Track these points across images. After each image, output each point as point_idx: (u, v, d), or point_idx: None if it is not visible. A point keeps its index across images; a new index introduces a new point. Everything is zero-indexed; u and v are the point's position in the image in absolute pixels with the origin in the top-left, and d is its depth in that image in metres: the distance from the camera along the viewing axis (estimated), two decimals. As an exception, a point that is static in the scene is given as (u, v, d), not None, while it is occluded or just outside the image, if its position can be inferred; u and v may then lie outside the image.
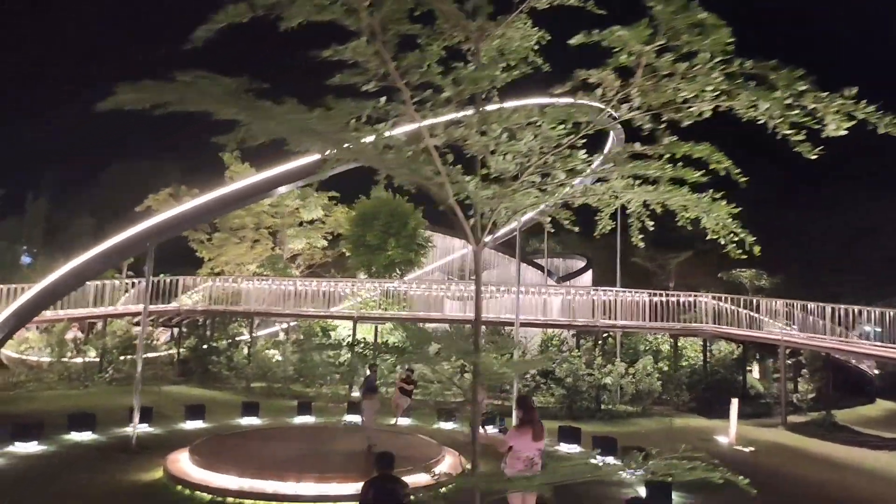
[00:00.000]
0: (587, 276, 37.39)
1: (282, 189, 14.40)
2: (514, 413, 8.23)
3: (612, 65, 3.52)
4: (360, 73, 3.70)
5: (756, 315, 22.72)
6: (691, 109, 3.90)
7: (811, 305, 20.05)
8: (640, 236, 6.49)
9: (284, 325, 27.60)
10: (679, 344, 23.69)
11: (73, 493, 9.89)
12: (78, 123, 70.72)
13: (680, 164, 4.29)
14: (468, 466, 11.67)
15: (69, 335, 22.57)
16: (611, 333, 22.30)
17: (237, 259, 35.56)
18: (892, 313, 18.40)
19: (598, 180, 5.01)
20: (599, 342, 22.42)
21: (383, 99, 3.83)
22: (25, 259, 42.01)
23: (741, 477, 3.94)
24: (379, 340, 21.49)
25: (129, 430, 14.49)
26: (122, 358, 22.12)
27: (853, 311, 18.84)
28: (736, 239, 5.39)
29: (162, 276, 25.09)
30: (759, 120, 3.73)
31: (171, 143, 78.14)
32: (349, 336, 23.08)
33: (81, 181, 62.84)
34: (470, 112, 4.39)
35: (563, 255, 40.82)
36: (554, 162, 4.41)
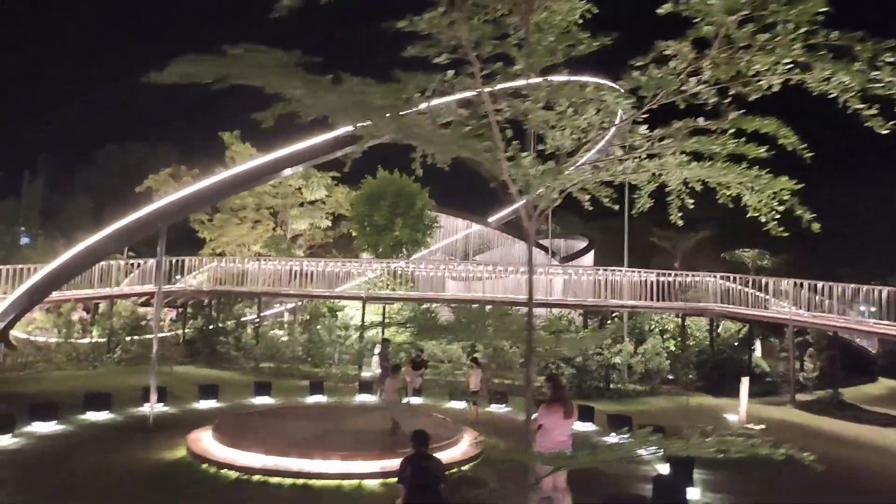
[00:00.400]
0: (589, 257, 37.44)
1: (288, 171, 14.16)
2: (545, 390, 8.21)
3: (693, 35, 3.46)
4: (431, 45, 3.63)
5: (761, 294, 22.83)
6: (760, 83, 3.85)
7: (820, 285, 20.12)
8: (679, 214, 6.46)
9: (290, 305, 27.61)
10: (685, 323, 23.80)
11: (101, 472, 9.91)
12: (76, 118, 70.27)
13: (742, 139, 4.24)
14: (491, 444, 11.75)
15: (74, 316, 22.53)
16: (619, 313, 22.34)
17: (239, 239, 35.44)
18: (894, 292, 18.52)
19: (650, 156, 4.94)
20: (608, 322, 22.50)
21: (450, 72, 3.77)
22: (24, 240, 41.75)
23: (806, 453, 3.93)
24: (387, 320, 21.51)
25: (144, 409, 14.58)
26: (128, 339, 22.08)
27: (861, 290, 18.90)
28: (777, 217, 5.35)
29: (165, 257, 25.01)
30: (831, 94, 3.68)
31: (163, 124, 77.83)
32: (354, 316, 23.11)
33: (77, 162, 62.39)
34: (522, 85, 4.33)
35: (564, 235, 40.75)
36: (612, 138, 4.36)
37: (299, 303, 27.28)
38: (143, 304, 25.31)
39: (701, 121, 4.15)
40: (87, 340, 21.87)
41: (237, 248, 35.31)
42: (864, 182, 40.04)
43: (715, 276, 22.64)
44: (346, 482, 9.56)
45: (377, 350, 20.94)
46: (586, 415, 14.94)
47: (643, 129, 4.29)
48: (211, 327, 22.78)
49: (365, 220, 22.90)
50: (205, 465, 10.17)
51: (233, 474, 9.77)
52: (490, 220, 33.17)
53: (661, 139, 4.31)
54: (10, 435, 11.51)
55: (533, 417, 8.54)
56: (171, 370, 18.90)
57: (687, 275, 22.86)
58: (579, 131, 4.29)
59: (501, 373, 19.20)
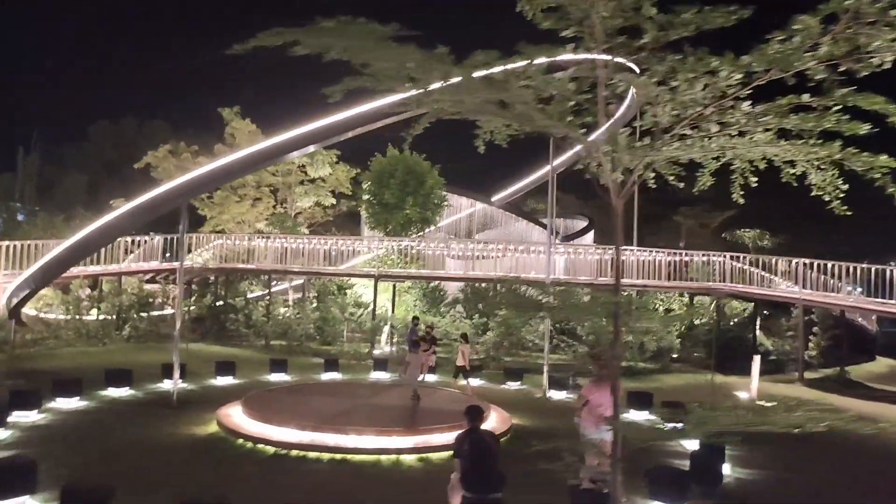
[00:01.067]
0: (589, 237, 37.62)
1: (311, 147, 13.87)
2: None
3: (827, 10, 3.44)
4: (562, 18, 3.59)
5: (766, 274, 23.07)
6: (872, 60, 3.84)
7: (830, 265, 20.34)
8: (741, 192, 6.46)
9: (296, 282, 27.56)
10: (676, 303, 24.07)
11: (137, 446, 9.93)
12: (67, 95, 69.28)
13: (846, 116, 4.22)
14: (514, 421, 11.86)
15: (81, 293, 22.36)
16: (628, 292, 22.47)
17: (239, 217, 35.18)
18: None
19: (741, 133, 4.90)
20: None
21: (570, 46, 3.73)
22: (20, 216, 41.27)
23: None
24: (397, 299, 21.53)
25: (163, 385, 14.63)
26: (136, 316, 21.96)
27: (872, 269, 19.07)
28: (841, 195, 5.38)
29: (165, 235, 24.84)
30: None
31: (154, 100, 76.90)
32: (362, 294, 23.10)
33: (70, 138, 61.68)
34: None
35: (563, 215, 40.82)
36: (710, 115, 4.35)
37: (302, 280, 27.27)
38: (149, 282, 25.15)
39: (806, 97, 4.13)
40: (92, 317, 21.73)
41: (237, 226, 35.08)
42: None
43: (724, 256, 22.80)
44: (383, 457, 9.63)
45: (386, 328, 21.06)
46: (604, 392, 15.09)
47: (746, 105, 4.27)
48: (219, 304, 22.69)
49: (375, 198, 22.77)
50: (240, 441, 10.20)
51: (269, 449, 9.82)
52: (493, 199, 33.16)
53: (762, 115, 4.29)
54: (37, 411, 11.48)
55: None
56: (187, 347, 18.82)
57: (696, 255, 23.02)
58: (680, 106, 4.27)
59: (514, 351, 19.31)
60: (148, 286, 25.00)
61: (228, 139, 35.26)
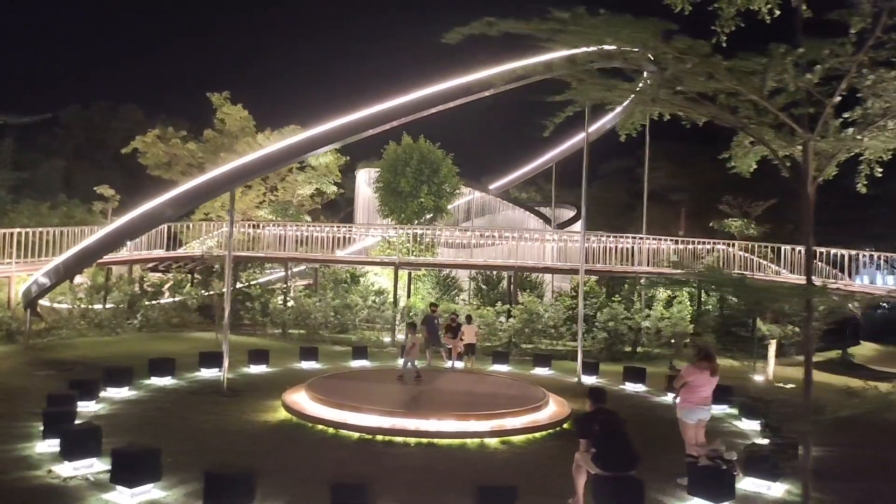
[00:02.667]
0: (577, 225, 38.19)
1: (369, 131, 13.45)
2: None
3: None
4: (853, 15, 3.77)
5: (763, 262, 23.88)
6: None
7: (834, 252, 21.17)
8: (865, 182, 6.79)
9: (297, 270, 27.39)
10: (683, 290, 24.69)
11: (215, 431, 9.89)
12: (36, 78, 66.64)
13: None
14: (573, 407, 12.11)
15: (77, 280, 21.81)
16: (631, 279, 22.99)
17: (237, 204, 34.73)
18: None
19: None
20: (625, 287, 23.12)
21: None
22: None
23: None
24: (412, 287, 21.61)
25: (201, 374, 14.49)
26: (147, 304, 21.55)
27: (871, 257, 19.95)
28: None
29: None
30: None
31: (123, 84, 74.70)
32: (375, 282, 23.11)
33: (41, 123, 59.44)
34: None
35: (550, 204, 41.33)
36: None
37: (302, 267, 27.13)
38: (152, 270, 24.66)
39: None
40: (99, 307, 21.25)
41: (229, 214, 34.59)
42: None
43: (731, 245, 23.47)
44: (468, 441, 9.79)
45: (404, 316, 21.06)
46: (638, 376, 15.51)
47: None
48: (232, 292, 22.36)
49: (389, 186, 22.69)
50: (320, 427, 10.23)
51: (353, 434, 9.88)
52: (491, 187, 33.39)
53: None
54: (95, 401, 11.27)
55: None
56: (217, 338, 18.60)
57: (702, 242, 23.66)
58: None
59: (536, 339, 19.59)
60: (152, 275, 24.55)
61: (218, 125, 34.71)
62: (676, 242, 23.66)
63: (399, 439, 9.71)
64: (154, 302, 21.49)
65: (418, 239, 21.88)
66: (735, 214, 27.18)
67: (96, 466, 7.85)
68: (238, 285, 23.17)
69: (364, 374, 14.62)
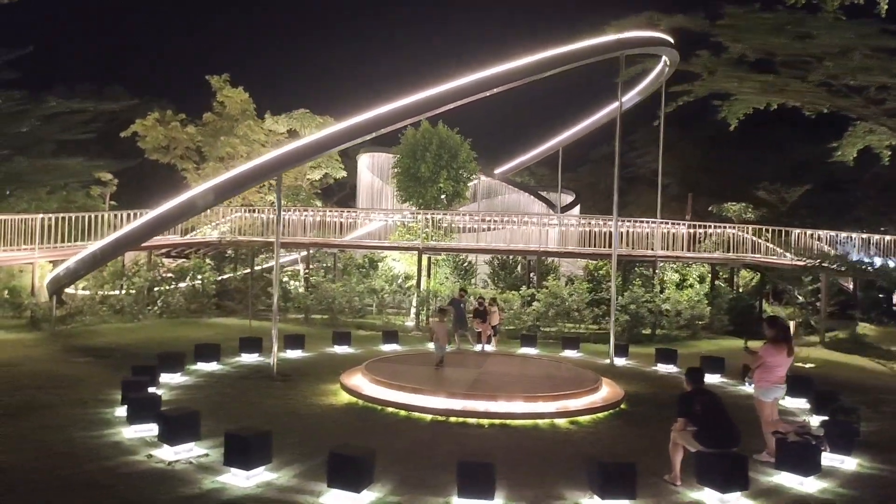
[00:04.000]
0: (576, 210, 38.60)
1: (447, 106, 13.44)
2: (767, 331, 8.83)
3: None
4: None
5: (770, 245, 24.47)
6: None
7: (843, 235, 21.76)
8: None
9: (303, 254, 27.39)
10: (694, 274, 25.23)
11: (285, 413, 9.97)
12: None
13: None
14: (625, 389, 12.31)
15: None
16: (654, 262, 23.38)
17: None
18: None
19: None
20: (638, 270, 23.51)
21: None
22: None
23: None
24: (433, 272, 21.74)
25: (241, 359, 14.54)
26: (168, 290, 21.41)
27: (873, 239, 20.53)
28: None
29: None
30: None
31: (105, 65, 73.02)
32: (393, 267, 23.21)
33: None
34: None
35: (551, 188, 41.64)
36: None
37: (307, 252, 27.14)
38: (166, 256, 24.45)
39: None
40: (116, 293, 21.08)
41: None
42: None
43: (743, 230, 23.97)
44: (538, 421, 10.02)
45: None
46: (669, 358, 15.86)
47: None
48: (250, 277, 22.26)
49: (408, 172, 22.69)
50: (390, 410, 10.37)
51: (426, 416, 10.05)
52: (496, 171, 33.55)
53: None
54: (155, 387, 11.26)
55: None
56: (250, 324, 18.61)
57: (713, 226, 24.13)
58: None
59: (561, 321, 19.88)
60: (166, 261, 24.34)
61: (218, 108, 34.28)
62: (690, 227, 24.05)
63: (472, 421, 9.91)
64: (171, 287, 21.31)
65: (437, 224, 21.98)
66: (773, 200, 27.64)
67: (195, 450, 7.94)
68: (259, 269, 23.16)
69: (412, 357, 14.76)
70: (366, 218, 23.19)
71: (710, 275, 24.82)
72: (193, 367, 13.36)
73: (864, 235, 23.11)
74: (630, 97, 24.26)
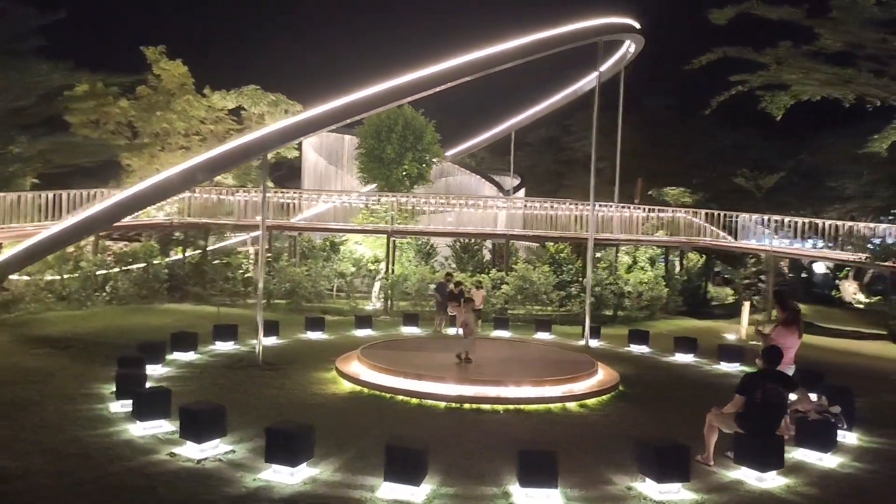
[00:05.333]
0: (521, 193, 39.08)
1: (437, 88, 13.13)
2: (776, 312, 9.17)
3: None
4: None
5: (713, 228, 25.61)
6: None
7: (787, 220, 22.98)
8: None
9: (254, 234, 26.56)
10: (643, 256, 26.10)
11: (287, 402, 9.62)
12: None
13: None
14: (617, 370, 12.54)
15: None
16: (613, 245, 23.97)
17: (170, 167, 32.79)
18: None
19: None
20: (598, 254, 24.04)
21: None
22: None
23: None
24: (397, 255, 21.45)
25: (217, 348, 13.94)
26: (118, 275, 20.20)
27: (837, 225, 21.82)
28: None
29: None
30: None
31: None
32: (355, 250, 22.74)
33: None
34: None
35: (497, 171, 41.88)
36: None
37: (258, 233, 26.30)
38: (112, 239, 23.07)
39: None
40: (58, 278, 19.72)
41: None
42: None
43: (692, 213, 24.88)
44: (550, 406, 10.10)
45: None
46: (642, 339, 16.33)
47: None
48: (216, 262, 21.28)
49: (372, 153, 22.15)
50: (400, 398, 10.19)
51: (440, 404, 9.93)
52: (447, 153, 33.31)
53: None
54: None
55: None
56: (219, 312, 17.81)
57: (666, 210, 24.93)
58: None
59: (529, 304, 20.10)
60: (111, 244, 22.98)
61: (154, 80, 32.44)
62: (646, 211, 24.77)
63: (486, 407, 9.88)
64: (120, 271, 20.13)
65: (402, 206, 21.68)
66: (749, 187, 28.64)
67: (221, 447, 7.54)
68: (205, 252, 22.22)
69: (406, 343, 14.57)
70: (339, 200, 22.57)
71: (660, 257, 25.69)
72: (170, 357, 12.69)
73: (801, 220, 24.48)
74: (589, 80, 24.61)
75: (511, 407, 9.90)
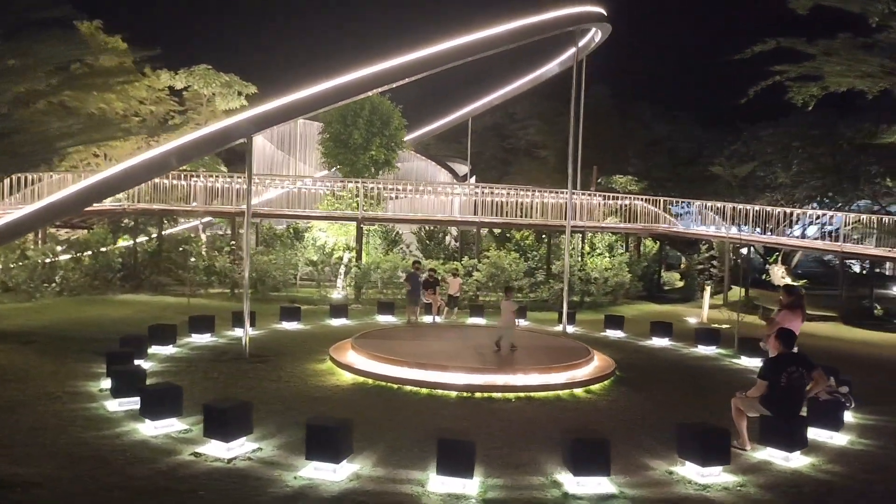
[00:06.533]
0: (472, 180, 39.16)
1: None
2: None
3: None
4: None
5: (666, 215, 26.42)
6: None
7: (740, 207, 23.94)
8: None
9: (205, 220, 25.61)
10: (601, 242, 26.67)
11: (305, 399, 9.28)
12: None
13: None
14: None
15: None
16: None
17: (111, 152, 31.12)
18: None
19: None
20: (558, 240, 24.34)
21: None
22: None
23: None
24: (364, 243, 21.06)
25: (193, 340, 13.36)
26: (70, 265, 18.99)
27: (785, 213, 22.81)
28: None
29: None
30: None
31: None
32: (318, 238, 22.21)
33: None
34: None
35: (449, 158, 41.77)
36: None
37: (206, 219, 25.47)
38: (61, 227, 21.68)
39: None
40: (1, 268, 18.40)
41: (106, 162, 31.04)
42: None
43: (651, 201, 25.52)
44: (559, 392, 10.14)
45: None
46: (617, 323, 16.64)
47: None
48: (180, 250, 20.25)
49: (339, 138, 21.54)
50: (408, 388, 9.99)
51: (451, 393, 9.80)
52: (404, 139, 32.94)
53: None
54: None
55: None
56: (189, 302, 16.99)
57: (626, 198, 25.47)
58: None
59: (499, 291, 20.10)
60: (59, 231, 21.58)
61: (92, 60, 30.58)
62: (604, 198, 25.22)
63: (497, 395, 9.81)
64: (64, 259, 18.94)
65: (368, 193, 21.26)
66: (724, 175, 29.27)
67: (247, 445, 7.18)
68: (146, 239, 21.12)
69: (401, 332, 14.32)
70: (302, 185, 21.83)
71: (617, 244, 26.24)
72: (150, 351, 12.02)
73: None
74: (550, 68, 24.76)
75: (522, 395, 9.87)
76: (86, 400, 8.90)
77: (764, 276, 32.60)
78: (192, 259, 19.19)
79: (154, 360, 11.54)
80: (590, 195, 24.89)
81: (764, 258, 34.42)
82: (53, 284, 18.29)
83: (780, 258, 33.04)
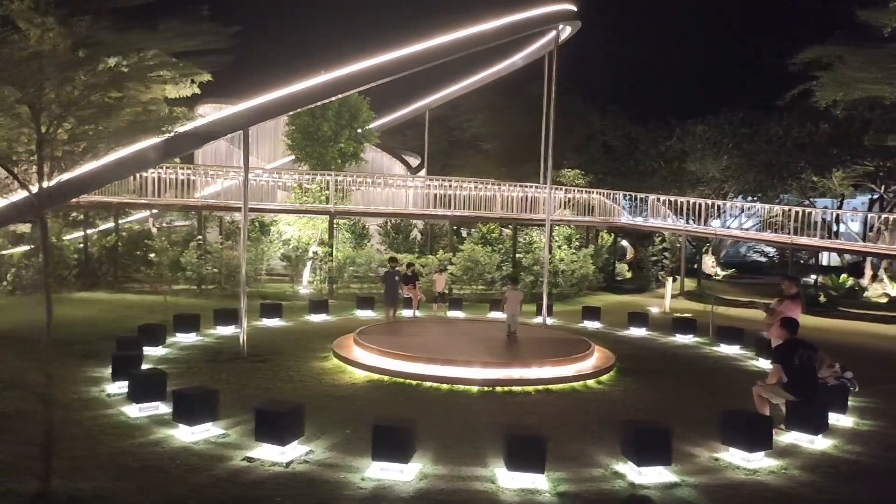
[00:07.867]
0: (422, 172, 39.13)
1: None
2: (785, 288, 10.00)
3: None
4: None
5: (616, 207, 27.30)
6: None
7: (692, 201, 24.95)
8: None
9: (154, 212, 24.51)
10: (559, 235, 27.26)
11: (323, 398, 9.12)
12: None
13: None
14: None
15: None
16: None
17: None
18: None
19: None
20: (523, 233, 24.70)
21: None
22: None
23: None
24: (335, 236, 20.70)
25: (179, 339, 12.90)
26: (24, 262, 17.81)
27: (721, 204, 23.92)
28: None
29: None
30: None
31: None
32: (285, 231, 21.69)
33: None
34: None
35: (400, 149, 41.50)
36: None
37: (154, 211, 24.44)
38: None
39: None
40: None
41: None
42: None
43: (609, 196, 26.23)
44: (575, 384, 10.36)
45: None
46: (594, 314, 17.10)
47: None
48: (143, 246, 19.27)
49: (307, 131, 20.96)
50: (427, 384, 9.98)
51: (472, 388, 9.85)
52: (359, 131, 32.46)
53: None
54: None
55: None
56: (165, 300, 16.23)
57: (582, 191, 26.09)
58: None
59: (474, 284, 20.26)
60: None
61: (20, 41, 28.62)
62: (565, 192, 25.74)
63: (517, 389, 9.94)
64: (21, 254, 17.79)
65: (338, 185, 20.91)
66: (694, 170, 29.94)
67: (299, 448, 7.02)
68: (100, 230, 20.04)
69: (397, 327, 14.16)
70: (271, 178, 21.17)
71: (575, 237, 26.88)
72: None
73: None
74: (513, 61, 24.95)
75: (540, 388, 10.04)
76: (100, 406, 8.46)
77: (695, 266, 34.21)
78: (153, 255, 18.33)
79: (147, 361, 11.03)
80: (556, 189, 25.31)
81: (696, 249, 36.09)
82: (5, 283, 17.12)
83: (710, 249, 34.71)
